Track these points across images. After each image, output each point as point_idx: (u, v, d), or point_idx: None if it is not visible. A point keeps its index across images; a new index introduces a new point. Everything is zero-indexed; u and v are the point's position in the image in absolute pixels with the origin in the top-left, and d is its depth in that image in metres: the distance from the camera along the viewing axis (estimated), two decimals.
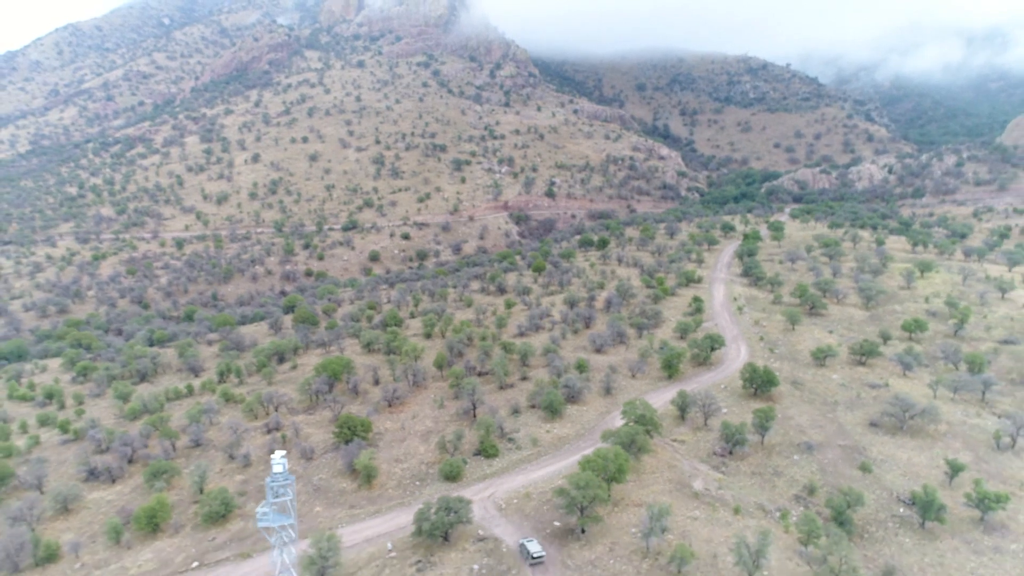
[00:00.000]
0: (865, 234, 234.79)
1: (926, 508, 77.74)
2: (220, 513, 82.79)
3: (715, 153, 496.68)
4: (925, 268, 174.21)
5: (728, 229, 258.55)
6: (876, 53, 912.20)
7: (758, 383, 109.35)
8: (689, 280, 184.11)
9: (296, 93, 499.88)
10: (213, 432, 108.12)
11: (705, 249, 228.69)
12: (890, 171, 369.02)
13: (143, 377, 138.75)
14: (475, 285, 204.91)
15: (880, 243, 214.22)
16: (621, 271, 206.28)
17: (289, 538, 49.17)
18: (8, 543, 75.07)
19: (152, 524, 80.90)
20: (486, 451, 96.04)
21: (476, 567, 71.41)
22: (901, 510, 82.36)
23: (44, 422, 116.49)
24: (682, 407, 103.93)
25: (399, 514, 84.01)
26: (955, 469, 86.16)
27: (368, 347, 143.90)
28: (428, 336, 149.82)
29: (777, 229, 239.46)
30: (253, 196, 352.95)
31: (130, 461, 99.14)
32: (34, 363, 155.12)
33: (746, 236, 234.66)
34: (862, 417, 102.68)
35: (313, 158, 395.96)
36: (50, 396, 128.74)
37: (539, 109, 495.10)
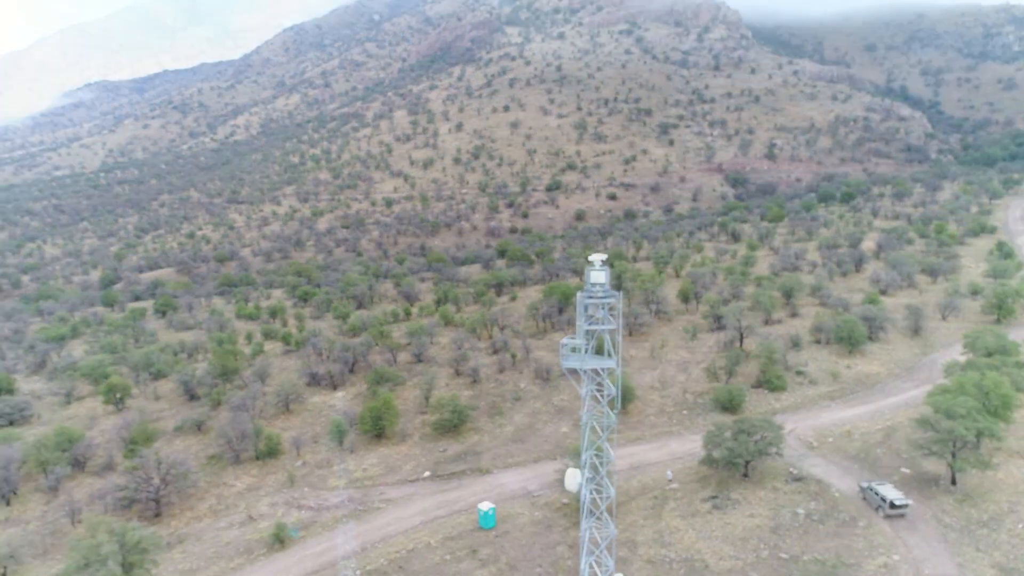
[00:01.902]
0: None
1: None
2: (452, 423, 69.23)
3: (968, 115, 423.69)
4: None
5: (1012, 184, 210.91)
6: None
7: None
8: (982, 229, 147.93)
9: (497, 66, 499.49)
10: (435, 350, 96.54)
11: (986, 204, 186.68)
12: None
13: (360, 304, 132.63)
14: (702, 235, 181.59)
15: None
16: (879, 223, 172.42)
17: (606, 416, 31.97)
18: (230, 430, 66.46)
19: (378, 426, 69.07)
20: (770, 382, 74.50)
21: (800, 511, 50.77)
22: None
23: (268, 335, 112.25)
24: None
25: (668, 442, 65.45)
26: None
27: None
28: (659, 274, 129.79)
29: None
30: (457, 161, 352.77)
31: (351, 370, 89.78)
32: (260, 290, 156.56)
33: None
34: None
35: (514, 125, 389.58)
36: (274, 314, 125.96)
37: (753, 72, 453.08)
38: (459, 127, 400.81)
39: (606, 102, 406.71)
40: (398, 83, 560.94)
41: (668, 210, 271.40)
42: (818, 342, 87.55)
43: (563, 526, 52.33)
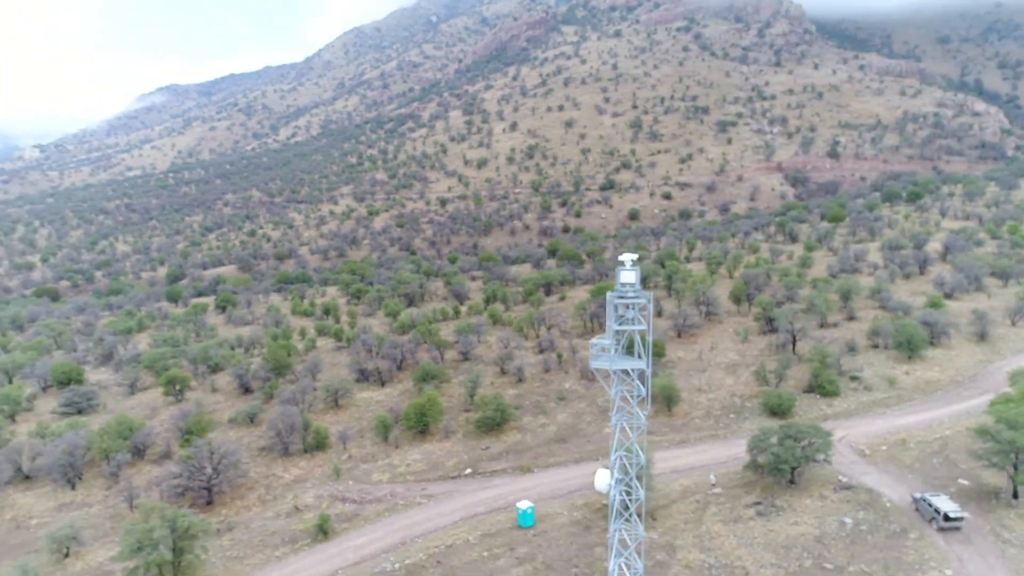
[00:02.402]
0: None
1: None
2: (495, 421, 69.57)
3: None
4: None
5: None
6: None
7: None
8: None
9: (552, 66, 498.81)
10: (482, 349, 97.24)
11: None
12: None
13: (411, 301, 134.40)
14: (758, 235, 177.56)
15: None
16: (948, 224, 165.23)
17: (636, 417, 31.69)
18: (280, 423, 68.34)
19: (422, 423, 69.95)
20: (822, 387, 72.34)
21: (848, 520, 49.17)
22: None
23: (321, 331, 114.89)
24: None
25: (713, 446, 64.22)
26: None
27: (644, 282, 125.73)
28: (712, 275, 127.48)
29: None
30: (511, 160, 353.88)
31: (399, 367, 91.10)
32: (316, 288, 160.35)
33: None
34: None
35: (568, 124, 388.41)
36: (327, 311, 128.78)
37: (816, 67, 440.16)
38: (513, 127, 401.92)
39: (662, 100, 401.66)
40: (454, 84, 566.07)
41: (724, 210, 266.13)
42: (875, 347, 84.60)
43: (601, 527, 51.97)
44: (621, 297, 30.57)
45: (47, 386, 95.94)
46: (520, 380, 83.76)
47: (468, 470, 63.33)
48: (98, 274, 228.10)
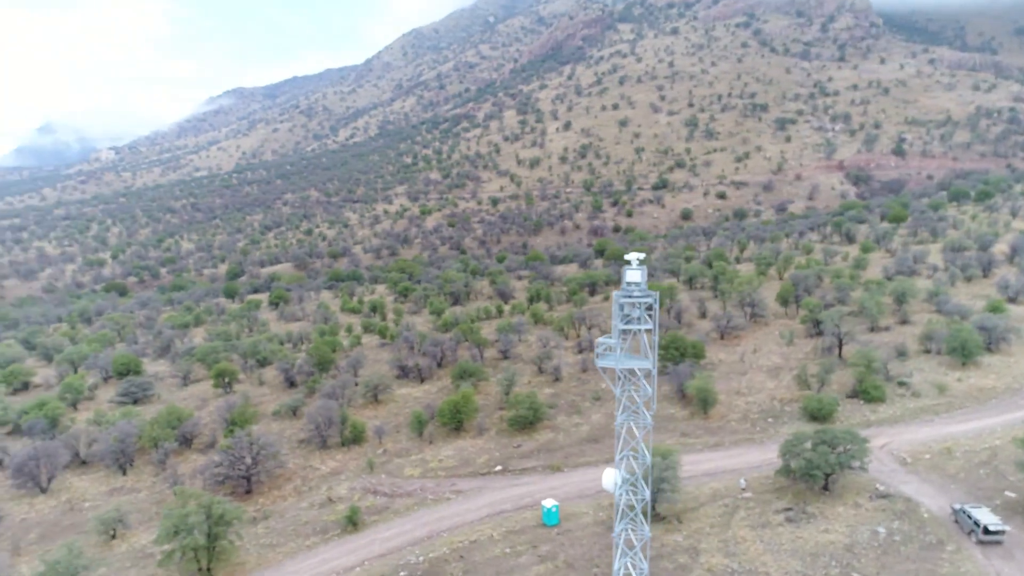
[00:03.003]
0: None
1: None
2: (528, 419, 69.86)
3: None
4: None
5: None
6: None
7: None
8: None
9: (608, 64, 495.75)
10: (522, 348, 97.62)
11: None
12: None
13: (456, 300, 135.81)
14: (813, 236, 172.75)
15: None
16: (1019, 224, 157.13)
17: (642, 417, 31.50)
18: (319, 416, 70.18)
19: (456, 420, 70.79)
20: (867, 392, 70.01)
21: (881, 530, 47.58)
22: None
23: (367, 328, 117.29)
24: None
25: (748, 450, 62.99)
26: None
27: (690, 282, 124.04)
28: (762, 275, 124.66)
29: None
30: (563, 160, 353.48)
31: (439, 365, 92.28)
32: (365, 285, 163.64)
33: None
34: None
35: (623, 123, 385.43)
36: (374, 309, 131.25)
37: (882, 61, 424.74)
38: (567, 126, 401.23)
39: (719, 98, 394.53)
40: (509, 84, 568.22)
41: (781, 209, 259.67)
42: (927, 352, 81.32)
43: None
44: (627, 296, 30.44)
45: (108, 376, 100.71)
46: (557, 379, 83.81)
47: (498, 467, 63.81)
48: (163, 271, 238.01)
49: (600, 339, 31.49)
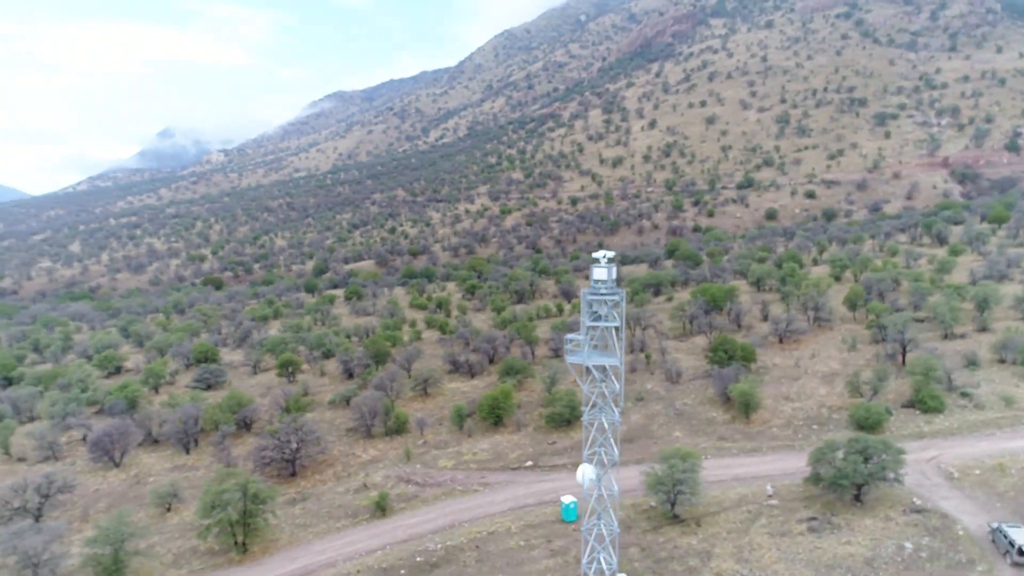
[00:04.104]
0: None
1: None
2: (564, 417, 70.41)
3: None
4: None
5: None
6: None
7: None
8: None
9: (697, 60, 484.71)
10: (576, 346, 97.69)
11: None
12: None
13: (520, 298, 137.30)
14: (902, 237, 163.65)
15: None
16: None
17: (610, 413, 31.77)
18: (364, 406, 73.29)
19: (494, 414, 72.23)
20: (923, 402, 66.34)
21: (908, 545, 45.36)
22: None
23: (429, 324, 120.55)
24: None
25: (785, 457, 61.11)
26: None
27: (758, 283, 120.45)
28: (837, 279, 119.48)
29: None
30: (647, 159, 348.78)
31: (491, 361, 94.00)
32: (436, 283, 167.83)
33: None
34: None
35: (710, 121, 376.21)
36: (439, 305, 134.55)
37: (999, 50, 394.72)
38: (652, 124, 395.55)
39: (814, 92, 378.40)
40: (596, 82, 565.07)
41: (875, 209, 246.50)
42: (1002, 361, 76.03)
43: (642, 528, 51.55)
44: (594, 294, 30.78)
45: (189, 363, 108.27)
46: (603, 380, 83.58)
47: (529, 462, 64.72)
48: (256, 266, 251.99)
49: (569, 335, 31.99)
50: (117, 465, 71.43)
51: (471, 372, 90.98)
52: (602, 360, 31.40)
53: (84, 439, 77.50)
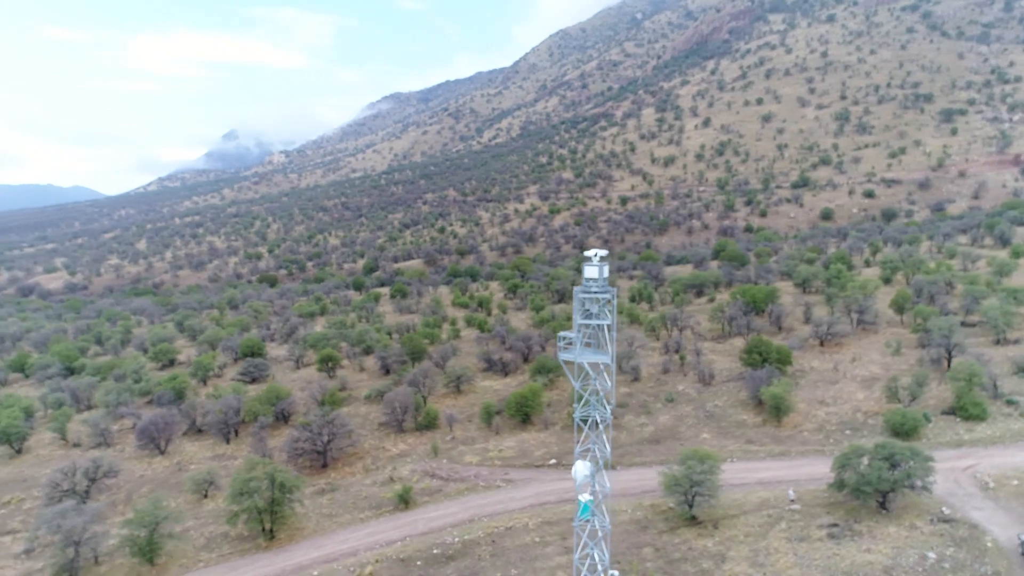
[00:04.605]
0: None
1: None
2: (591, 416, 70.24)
3: None
4: None
5: None
6: None
7: None
8: None
9: (754, 57, 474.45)
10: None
11: None
12: None
13: (561, 297, 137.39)
14: (962, 239, 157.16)
15: None
16: None
17: (602, 410, 32.03)
18: (395, 401, 74.87)
19: (522, 412, 72.83)
20: (964, 409, 63.93)
21: (931, 555, 43.96)
22: None
23: (469, 322, 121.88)
24: None
25: (814, 462, 59.80)
26: None
27: (803, 285, 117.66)
28: (887, 281, 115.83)
29: None
30: (699, 158, 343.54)
31: (525, 359, 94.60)
32: (480, 282, 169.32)
33: None
34: None
35: (766, 119, 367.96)
36: (480, 304, 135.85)
37: None
38: (706, 123, 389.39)
39: (876, 88, 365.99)
40: (650, 81, 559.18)
41: (938, 209, 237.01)
42: None
43: (659, 529, 51.34)
44: (586, 292, 31.03)
45: (237, 357, 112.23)
46: (635, 379, 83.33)
47: (552, 460, 65.09)
48: (309, 264, 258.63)
49: (562, 333, 32.32)
50: (162, 452, 74.82)
51: (504, 370, 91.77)
52: (593, 357, 31.64)
53: (133, 427, 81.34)
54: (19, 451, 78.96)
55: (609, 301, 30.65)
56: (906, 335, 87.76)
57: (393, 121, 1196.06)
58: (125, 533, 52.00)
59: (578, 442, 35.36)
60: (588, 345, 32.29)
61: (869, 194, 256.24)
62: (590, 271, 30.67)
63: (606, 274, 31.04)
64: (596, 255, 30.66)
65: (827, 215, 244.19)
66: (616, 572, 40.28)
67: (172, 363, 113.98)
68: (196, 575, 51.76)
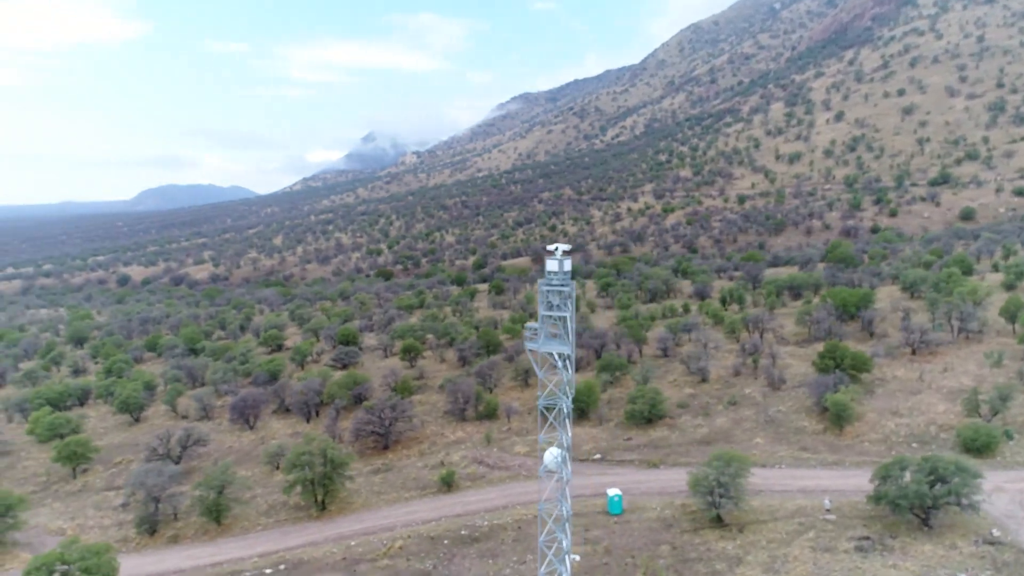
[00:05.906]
0: None
1: None
2: (643, 414, 70.36)
3: None
4: None
5: None
6: None
7: None
8: None
9: (899, 44, 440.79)
10: (688, 346, 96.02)
11: None
12: None
13: (652, 297, 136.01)
14: None
15: None
16: None
17: (564, 400, 33.06)
18: (459, 390, 78.15)
19: (577, 407, 73.61)
20: None
21: None
22: None
23: None
24: None
25: (865, 473, 56.34)
26: None
27: (910, 289, 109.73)
28: (1010, 288, 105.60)
29: None
30: (828, 154, 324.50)
31: (598, 356, 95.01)
32: (577, 280, 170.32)
33: None
34: None
35: (907, 111, 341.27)
36: None
37: None
38: (839, 117, 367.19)
39: None
40: (782, 73, 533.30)
41: None
42: None
43: (682, 528, 51.02)
44: (548, 285, 32.10)
45: (335, 344, 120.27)
46: (703, 380, 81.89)
47: (597, 455, 65.76)
48: (424, 260, 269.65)
49: (528, 324, 33.58)
50: (251, 428, 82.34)
51: (575, 366, 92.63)
52: (555, 347, 32.78)
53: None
54: (137, 420, 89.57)
55: (569, 295, 31.68)
56: (1013, 346, 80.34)
57: (521, 121, 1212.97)
58: (196, 494, 58.40)
59: (542, 429, 36.48)
60: (555, 336, 33.45)
61: (1020, 192, 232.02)
62: (551, 264, 31.84)
63: (567, 268, 32.05)
64: (558, 249, 31.76)
65: (967, 215, 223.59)
66: (577, 556, 41.18)
67: (280, 348, 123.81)
68: (254, 536, 57.28)
